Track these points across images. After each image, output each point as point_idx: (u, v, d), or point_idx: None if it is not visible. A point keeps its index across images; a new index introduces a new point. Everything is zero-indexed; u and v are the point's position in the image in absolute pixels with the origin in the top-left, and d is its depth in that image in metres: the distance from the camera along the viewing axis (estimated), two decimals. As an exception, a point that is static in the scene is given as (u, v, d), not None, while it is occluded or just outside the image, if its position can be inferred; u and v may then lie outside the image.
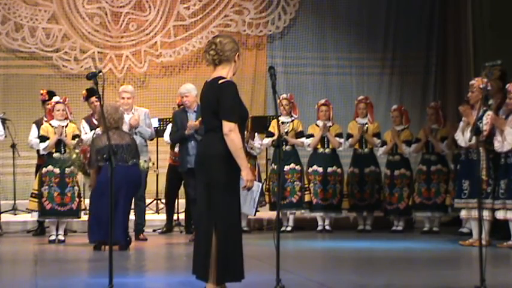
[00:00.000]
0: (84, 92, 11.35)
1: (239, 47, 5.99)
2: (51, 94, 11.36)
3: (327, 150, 11.96)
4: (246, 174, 5.75)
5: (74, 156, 10.07)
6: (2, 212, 11.73)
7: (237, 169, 5.76)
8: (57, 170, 10.47)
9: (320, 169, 11.90)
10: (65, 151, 10.52)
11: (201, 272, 5.83)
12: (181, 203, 11.91)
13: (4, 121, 11.60)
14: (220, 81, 5.83)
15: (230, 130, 5.72)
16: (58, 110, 10.58)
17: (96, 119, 11.01)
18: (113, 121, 9.53)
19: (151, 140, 11.27)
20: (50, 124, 10.59)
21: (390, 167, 11.92)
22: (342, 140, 11.96)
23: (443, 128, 11.53)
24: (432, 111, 11.68)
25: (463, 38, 14.32)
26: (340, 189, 11.98)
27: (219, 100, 5.77)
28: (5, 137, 11.47)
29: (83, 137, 10.96)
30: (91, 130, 10.76)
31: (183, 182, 11.37)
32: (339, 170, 11.99)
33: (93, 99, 11.05)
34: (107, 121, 9.25)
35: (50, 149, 10.52)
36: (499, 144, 9.41)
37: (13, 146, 12.48)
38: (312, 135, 11.93)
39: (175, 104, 12.38)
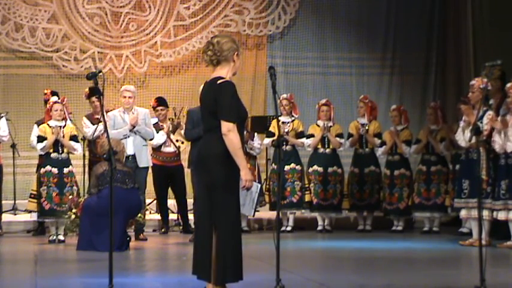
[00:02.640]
0: (86, 90, 11.39)
1: (238, 46, 5.97)
2: (54, 94, 11.37)
3: (327, 150, 11.94)
4: (244, 174, 5.73)
5: (73, 216, 10.01)
6: (2, 212, 11.73)
7: (236, 169, 5.74)
8: (55, 170, 10.46)
9: (320, 169, 11.89)
10: (62, 151, 10.52)
11: (201, 272, 5.83)
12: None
13: (7, 121, 11.60)
14: (218, 82, 5.83)
15: (229, 130, 5.71)
16: (56, 110, 10.57)
17: (97, 117, 11.07)
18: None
19: (151, 139, 11.25)
20: (47, 124, 10.59)
21: (390, 167, 11.91)
22: (342, 140, 11.95)
23: (442, 129, 11.52)
24: (431, 112, 11.66)
25: (463, 38, 14.31)
26: (341, 190, 11.97)
27: (217, 100, 5.76)
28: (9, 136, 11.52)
29: (86, 130, 11.02)
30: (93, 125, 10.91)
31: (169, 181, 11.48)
32: (339, 170, 11.98)
33: (94, 98, 11.09)
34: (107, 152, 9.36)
35: (48, 149, 10.51)
36: (498, 146, 9.39)
37: (13, 146, 12.47)
38: (312, 136, 11.91)
39: (174, 104, 12.37)
